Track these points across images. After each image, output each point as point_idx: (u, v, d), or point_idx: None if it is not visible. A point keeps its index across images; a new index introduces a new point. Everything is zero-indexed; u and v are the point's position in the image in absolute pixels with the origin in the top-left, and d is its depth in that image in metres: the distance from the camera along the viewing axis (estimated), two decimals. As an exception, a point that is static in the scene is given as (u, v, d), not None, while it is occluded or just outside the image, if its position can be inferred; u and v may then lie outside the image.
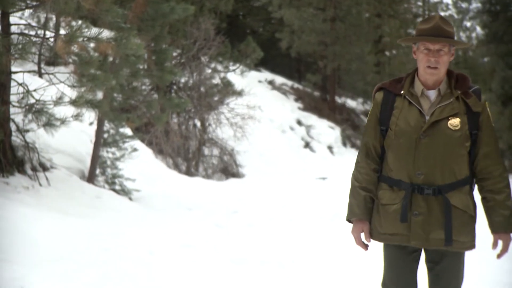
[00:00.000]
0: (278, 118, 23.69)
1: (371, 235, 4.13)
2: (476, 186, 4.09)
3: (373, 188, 4.11)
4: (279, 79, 27.95)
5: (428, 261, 4.09)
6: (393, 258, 4.15)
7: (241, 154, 19.42)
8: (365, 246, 4.16)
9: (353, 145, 24.50)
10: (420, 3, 37.03)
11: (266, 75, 28.04)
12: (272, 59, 30.08)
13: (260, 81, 26.48)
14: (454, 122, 3.94)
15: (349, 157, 22.02)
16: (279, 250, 8.05)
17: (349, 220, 4.18)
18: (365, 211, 4.12)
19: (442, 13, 37.02)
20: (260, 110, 21.17)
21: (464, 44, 4.33)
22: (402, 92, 4.03)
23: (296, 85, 28.31)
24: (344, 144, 24.42)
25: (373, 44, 29.38)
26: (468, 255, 4.15)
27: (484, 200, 4.05)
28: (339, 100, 28.58)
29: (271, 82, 26.94)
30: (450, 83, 4.02)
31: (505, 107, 24.34)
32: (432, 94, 4.00)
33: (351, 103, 29.66)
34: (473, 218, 4.02)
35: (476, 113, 3.99)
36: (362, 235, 4.14)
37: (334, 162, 22.15)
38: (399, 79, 4.15)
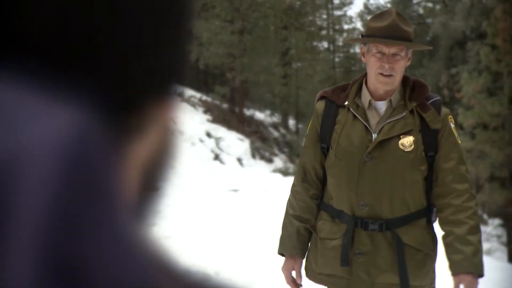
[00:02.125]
0: (188, 131, 23.60)
1: (306, 272, 3.50)
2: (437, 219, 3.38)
3: (310, 217, 3.44)
4: (187, 92, 27.84)
5: None
6: None
7: (151, 167, 19.26)
8: (296, 286, 3.50)
9: (262, 157, 24.57)
10: (324, 16, 37.52)
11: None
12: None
13: (179, 94, 26.33)
14: (407, 141, 3.22)
15: (259, 169, 22.09)
16: (201, 262, 7.97)
17: (280, 253, 3.55)
18: (298, 245, 3.46)
19: (346, 26, 37.60)
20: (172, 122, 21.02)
21: (424, 47, 3.83)
22: (346, 103, 3.32)
23: (204, 97, 28.26)
24: (254, 156, 24.45)
25: (280, 56, 29.60)
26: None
27: (442, 234, 3.32)
28: (247, 112, 28.63)
29: (179, 94, 26.77)
30: (404, 93, 3.30)
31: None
32: (382, 106, 3.30)
33: (259, 115, 29.75)
34: (431, 257, 3.35)
35: (434, 131, 3.26)
36: (294, 272, 3.49)
37: (244, 174, 22.13)
38: (343, 87, 3.44)
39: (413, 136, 3.23)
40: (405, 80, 3.32)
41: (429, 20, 25.35)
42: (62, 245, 0.34)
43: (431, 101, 3.29)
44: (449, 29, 20.28)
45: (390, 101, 3.29)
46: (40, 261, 0.33)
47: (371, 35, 3.27)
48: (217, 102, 27.90)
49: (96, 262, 0.35)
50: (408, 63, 3.33)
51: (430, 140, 3.26)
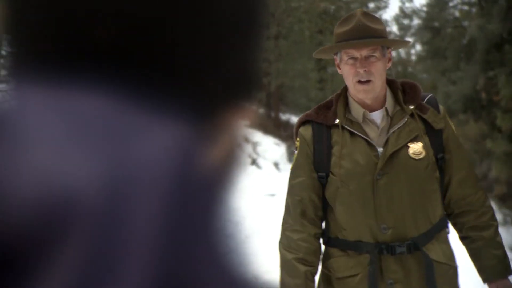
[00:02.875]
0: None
1: None
2: (450, 225, 3.13)
3: (315, 259, 3.01)
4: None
5: None
6: None
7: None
8: None
9: (299, 162, 24.56)
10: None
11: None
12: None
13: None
14: (416, 148, 2.93)
15: (295, 173, 22.09)
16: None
17: None
18: None
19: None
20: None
21: (401, 43, 3.39)
22: (338, 121, 2.97)
23: (240, 103, 28.31)
24: (290, 161, 24.41)
25: (315, 61, 29.57)
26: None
27: (467, 240, 3.07)
28: (283, 116, 28.62)
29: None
30: (397, 97, 3.00)
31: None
32: (378, 116, 2.98)
33: (295, 119, 29.71)
34: (456, 271, 3.08)
35: (438, 131, 2.99)
36: None
37: (280, 179, 22.11)
38: (327, 105, 3.07)
39: (421, 142, 2.95)
40: (392, 84, 3.04)
41: (465, 23, 25.21)
42: (172, 255, 0.35)
43: (425, 99, 3.03)
44: (485, 32, 20.12)
45: (386, 109, 2.98)
46: (152, 271, 0.34)
47: (337, 41, 2.95)
48: (253, 107, 27.88)
49: (201, 271, 0.36)
50: (389, 64, 3.01)
51: (437, 141, 2.99)
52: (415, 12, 31.07)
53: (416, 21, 30.65)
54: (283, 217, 3.10)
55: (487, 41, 20.68)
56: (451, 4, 27.10)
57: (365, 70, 2.89)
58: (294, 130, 3.12)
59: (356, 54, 2.89)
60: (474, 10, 24.53)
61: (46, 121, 0.35)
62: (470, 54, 22.28)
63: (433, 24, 26.97)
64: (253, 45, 0.48)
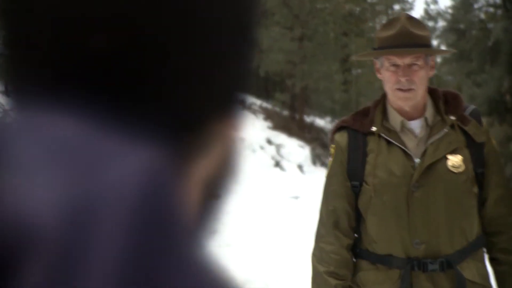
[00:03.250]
0: (248, 138, 23.70)
1: None
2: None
3: (347, 273, 2.90)
4: (248, 99, 27.94)
5: None
6: None
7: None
8: None
9: (323, 164, 24.49)
10: (385, 22, 37.29)
11: (235, 94, 28.05)
12: (240, 79, 30.14)
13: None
14: (455, 161, 2.78)
15: (320, 175, 21.93)
16: (262, 270, 8.01)
17: None
18: None
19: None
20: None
21: (445, 52, 3.34)
22: (375, 128, 2.86)
23: (264, 104, 28.31)
24: (314, 163, 24.44)
25: (340, 62, 29.56)
26: None
27: (494, 262, 2.91)
28: (307, 119, 28.60)
29: (242, 104, 26.92)
30: (438, 107, 2.87)
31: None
32: (417, 126, 2.86)
33: (319, 122, 29.70)
34: None
35: (480, 144, 2.83)
36: None
37: (304, 181, 22.11)
38: (364, 111, 2.96)
39: (461, 155, 2.80)
40: (434, 93, 2.90)
41: (490, 25, 25.10)
42: (138, 278, 0.34)
43: (468, 111, 2.87)
44: (510, 34, 20.03)
45: (426, 119, 2.85)
46: None
47: (380, 47, 2.84)
48: (277, 109, 27.93)
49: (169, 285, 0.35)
50: (432, 73, 2.88)
51: (477, 155, 2.83)
52: (440, 14, 30.95)
53: (441, 23, 30.51)
54: (317, 227, 2.98)
55: (512, 44, 20.55)
56: (476, 6, 26.98)
57: (406, 79, 2.77)
58: (330, 136, 3.02)
59: (399, 61, 2.78)
60: (499, 12, 24.41)
61: (8, 141, 0.35)
62: (495, 56, 22.17)
63: (458, 26, 26.86)
64: (243, 53, 0.50)
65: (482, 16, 26.56)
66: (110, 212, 0.35)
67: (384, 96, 2.94)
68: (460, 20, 26.97)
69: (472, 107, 2.90)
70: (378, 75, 2.91)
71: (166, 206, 0.37)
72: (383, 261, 2.82)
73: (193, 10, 0.43)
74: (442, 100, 2.87)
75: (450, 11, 28.69)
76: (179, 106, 0.42)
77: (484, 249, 2.92)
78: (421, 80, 2.79)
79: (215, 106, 0.45)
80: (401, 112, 2.85)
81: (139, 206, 0.35)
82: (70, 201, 0.34)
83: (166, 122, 0.42)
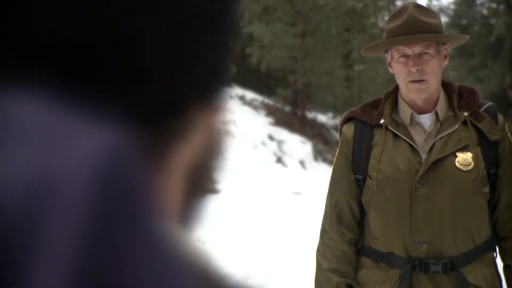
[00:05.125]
0: (250, 133, 23.70)
1: None
2: (497, 249, 2.80)
3: (349, 269, 2.82)
4: (249, 95, 27.95)
5: None
6: None
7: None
8: None
9: (325, 160, 24.50)
10: (387, 18, 37.27)
11: (237, 90, 28.03)
12: (242, 74, 30.10)
13: (230, 97, 26.46)
14: (465, 159, 2.63)
15: (321, 171, 22.03)
16: (264, 265, 8.00)
17: None
18: None
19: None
20: (234, 126, 21.20)
21: (458, 38, 2.96)
22: (383, 121, 2.75)
23: (266, 100, 28.29)
24: (316, 159, 24.42)
25: (342, 58, 29.51)
26: None
27: (507, 269, 2.78)
28: (309, 115, 28.57)
29: (241, 98, 26.91)
30: (451, 101, 2.74)
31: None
32: (427, 120, 2.74)
33: (321, 117, 29.67)
34: None
35: (494, 143, 2.68)
36: None
37: (306, 177, 22.11)
38: (374, 103, 2.85)
39: (471, 152, 2.66)
40: (448, 87, 2.78)
41: (493, 21, 25.09)
42: (96, 265, 0.33)
43: (483, 108, 2.73)
44: (513, 30, 20.03)
45: (436, 113, 2.73)
46: (74, 282, 0.32)
47: (388, 38, 2.73)
48: (279, 105, 27.90)
49: (132, 278, 0.34)
50: (445, 62, 2.76)
51: (490, 154, 2.69)
52: (442, 9, 30.89)
53: (443, 19, 30.44)
54: (322, 222, 2.89)
55: (515, 39, 20.54)
56: (478, 1, 26.96)
57: (418, 69, 2.65)
58: (339, 127, 2.91)
59: (408, 51, 2.66)
60: (501, 8, 24.40)
61: None
62: (497, 52, 22.17)
63: (461, 22, 26.85)
64: (223, 39, 0.48)
65: (485, 11, 26.56)
66: (68, 188, 0.33)
67: (396, 88, 2.83)
68: (462, 16, 26.97)
69: (488, 103, 2.75)
70: (390, 70, 2.80)
71: (130, 190, 0.35)
72: (385, 259, 2.73)
73: None
74: (457, 95, 2.75)
75: (452, 6, 28.66)
76: (155, 89, 0.41)
77: (496, 254, 2.80)
78: (433, 70, 2.67)
79: (195, 91, 0.45)
80: (412, 105, 2.74)
81: (99, 188, 0.34)
82: (25, 177, 0.33)
83: (140, 105, 0.40)
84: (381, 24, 36.04)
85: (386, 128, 2.74)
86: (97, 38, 0.39)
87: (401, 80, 2.71)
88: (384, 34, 2.81)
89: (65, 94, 0.37)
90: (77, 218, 0.33)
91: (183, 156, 0.44)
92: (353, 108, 2.89)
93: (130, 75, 0.40)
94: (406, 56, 2.67)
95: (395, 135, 2.72)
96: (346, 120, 2.86)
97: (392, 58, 2.74)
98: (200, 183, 0.48)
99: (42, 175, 0.33)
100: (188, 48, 0.42)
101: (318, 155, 24.52)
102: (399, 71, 2.70)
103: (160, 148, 0.42)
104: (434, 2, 38.54)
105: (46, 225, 0.32)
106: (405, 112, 2.75)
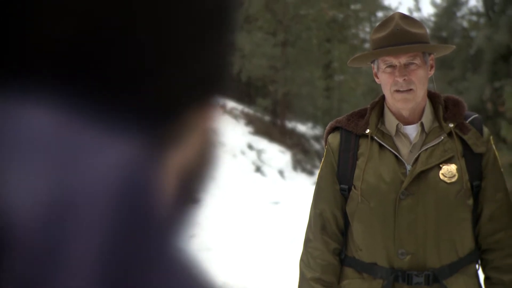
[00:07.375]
0: (229, 142, 23.66)
1: None
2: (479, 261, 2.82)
3: (333, 279, 2.81)
4: (229, 103, 27.92)
5: None
6: None
7: (192, 178, 19.43)
8: None
9: (304, 170, 24.52)
10: (367, 29, 37.41)
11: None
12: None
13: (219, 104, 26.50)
14: (449, 170, 2.65)
15: (300, 181, 22.06)
16: (242, 274, 7.98)
17: None
18: None
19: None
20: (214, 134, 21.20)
21: (444, 48, 2.98)
22: (368, 131, 2.75)
23: (246, 109, 28.29)
24: (295, 169, 24.42)
25: (323, 68, 29.56)
26: None
27: (487, 281, 2.78)
28: (289, 124, 28.59)
29: (221, 107, 26.87)
30: (437, 112, 2.75)
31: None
32: (413, 131, 2.74)
33: (301, 127, 29.69)
34: None
35: (478, 155, 2.70)
36: None
37: (285, 187, 22.11)
38: (360, 113, 2.85)
39: (456, 164, 2.67)
40: (434, 97, 2.78)
41: (473, 34, 25.18)
42: (117, 280, 0.33)
43: (469, 119, 2.74)
44: (493, 43, 20.11)
45: (422, 124, 2.73)
46: None
47: (374, 49, 2.72)
48: (259, 114, 27.90)
49: None
50: (431, 72, 2.76)
51: (474, 166, 2.70)
52: (423, 21, 31.01)
53: (423, 31, 30.49)
54: (306, 231, 2.88)
55: (494, 52, 20.65)
56: (459, 14, 27.11)
57: (404, 79, 2.64)
58: (324, 137, 2.91)
59: (395, 61, 2.65)
60: (482, 20, 24.51)
61: None
62: (477, 64, 22.27)
63: (441, 34, 26.94)
64: (220, 46, 0.47)
65: (465, 24, 26.67)
66: (89, 208, 0.33)
67: (382, 98, 2.82)
68: (442, 28, 27.08)
69: (474, 115, 2.76)
70: (376, 80, 2.79)
71: (146, 200, 0.35)
72: (368, 270, 2.72)
73: None
74: (442, 106, 2.75)
75: (433, 18, 28.78)
76: (151, 95, 0.41)
77: (478, 266, 2.81)
78: (420, 79, 2.66)
79: (190, 100, 0.45)
80: (398, 116, 2.75)
81: (120, 200, 0.34)
82: (46, 197, 0.32)
83: (139, 112, 0.40)
84: (362, 35, 36.19)
85: (372, 138, 2.74)
86: (91, 40, 0.38)
87: (387, 90, 2.70)
88: (370, 45, 2.81)
89: (70, 100, 0.37)
90: (98, 241, 0.33)
91: (176, 161, 0.44)
92: (338, 118, 2.88)
93: (127, 79, 0.39)
94: (392, 66, 2.67)
95: (380, 146, 2.72)
96: (332, 130, 2.86)
97: (378, 68, 2.73)
98: (192, 189, 0.47)
99: (63, 189, 0.33)
100: (185, 51, 0.42)
101: (297, 165, 24.53)
102: (386, 81, 2.69)
103: (158, 153, 0.42)
104: (415, 14, 38.69)
105: (67, 250, 0.32)
106: (391, 122, 2.75)
